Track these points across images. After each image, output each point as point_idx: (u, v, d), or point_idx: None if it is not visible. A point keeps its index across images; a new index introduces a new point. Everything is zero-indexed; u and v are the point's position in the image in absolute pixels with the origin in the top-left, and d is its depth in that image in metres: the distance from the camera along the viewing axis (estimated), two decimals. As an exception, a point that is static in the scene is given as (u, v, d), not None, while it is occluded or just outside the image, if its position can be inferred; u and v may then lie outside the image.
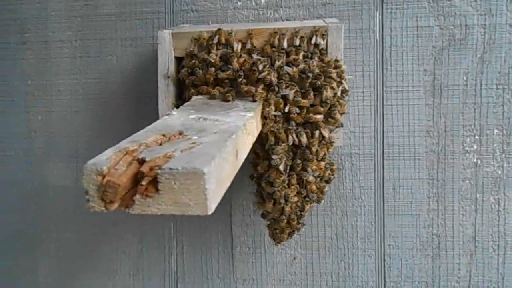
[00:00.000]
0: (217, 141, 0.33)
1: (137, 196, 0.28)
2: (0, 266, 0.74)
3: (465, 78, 0.64)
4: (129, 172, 0.29)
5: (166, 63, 0.57)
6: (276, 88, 0.51)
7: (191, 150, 0.31)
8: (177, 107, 0.50)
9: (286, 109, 0.51)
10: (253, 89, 0.50)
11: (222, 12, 0.67)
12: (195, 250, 0.70)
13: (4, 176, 0.74)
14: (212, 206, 0.28)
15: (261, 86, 0.51)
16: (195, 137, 0.34)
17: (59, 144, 0.72)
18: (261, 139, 0.51)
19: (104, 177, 0.28)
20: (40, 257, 0.73)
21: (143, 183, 0.28)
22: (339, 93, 0.52)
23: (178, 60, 0.58)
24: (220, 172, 0.30)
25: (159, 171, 0.28)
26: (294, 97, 0.51)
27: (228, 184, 0.32)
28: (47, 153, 0.72)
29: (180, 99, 0.57)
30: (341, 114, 0.53)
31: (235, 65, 0.52)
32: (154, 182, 0.28)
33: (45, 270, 0.73)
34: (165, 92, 0.57)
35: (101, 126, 0.71)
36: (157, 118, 0.58)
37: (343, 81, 0.53)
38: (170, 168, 0.27)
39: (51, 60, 0.72)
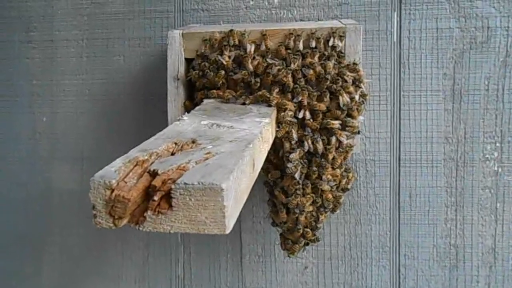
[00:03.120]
0: (234, 151, 0.30)
1: (149, 212, 0.26)
2: (3, 269, 0.73)
3: (486, 82, 0.61)
4: (140, 185, 0.26)
5: (176, 64, 0.54)
6: (291, 93, 0.49)
7: (206, 162, 0.28)
8: (188, 111, 0.48)
9: (300, 115, 0.49)
10: (267, 93, 0.48)
11: (234, 12, 0.65)
12: (202, 257, 0.68)
13: (8, 178, 0.72)
14: (230, 224, 0.25)
15: (276, 90, 0.48)
16: (210, 146, 0.32)
17: (64, 146, 0.70)
18: (274, 145, 0.49)
19: (113, 191, 0.26)
20: (44, 261, 0.72)
21: (156, 198, 0.25)
22: (357, 98, 0.50)
23: (188, 61, 0.56)
24: (238, 187, 0.28)
25: (173, 185, 0.25)
26: (308, 102, 0.48)
27: (245, 198, 0.30)
28: (52, 155, 0.70)
29: (190, 101, 0.55)
30: (357, 119, 0.51)
31: (250, 67, 0.49)
32: (167, 197, 0.26)
33: (49, 275, 0.72)
34: (175, 94, 0.54)
35: (108, 128, 0.69)
36: (165, 120, 0.56)
37: (362, 85, 0.51)
38: (185, 183, 0.25)
39: (57, 59, 0.70)
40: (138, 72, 0.68)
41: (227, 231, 0.25)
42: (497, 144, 0.62)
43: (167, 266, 0.68)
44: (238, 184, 0.28)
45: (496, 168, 0.62)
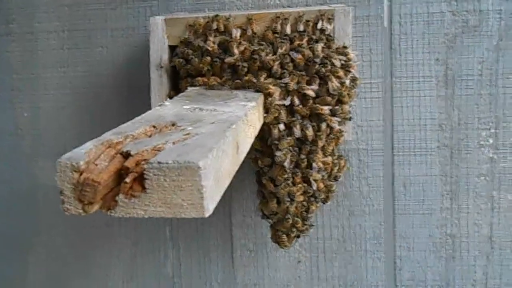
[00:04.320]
0: (215, 131, 0.28)
1: (120, 196, 0.24)
2: (-14, 272, 0.70)
3: (479, 67, 0.60)
4: (112, 167, 0.24)
5: (158, 52, 0.52)
6: (279, 78, 0.47)
7: (184, 142, 0.26)
8: (171, 98, 0.46)
9: (287, 102, 0.47)
10: (254, 78, 0.46)
11: (219, -1, 0.63)
12: (192, 253, 0.65)
13: (-11, 177, 0.69)
14: (209, 207, 0.23)
15: (264, 75, 0.46)
16: (190, 128, 0.30)
17: (47, 141, 0.68)
18: (263, 133, 0.47)
19: (81, 173, 0.24)
20: (29, 262, 0.69)
21: (127, 180, 0.23)
22: (347, 82, 0.48)
23: (172, 48, 0.54)
24: (219, 167, 0.26)
25: (146, 165, 0.23)
26: (294, 88, 0.46)
27: (228, 181, 0.28)
28: (35, 152, 0.68)
29: (175, 91, 0.52)
30: (348, 104, 0.49)
31: (235, 52, 0.47)
32: (141, 179, 0.24)
33: (34, 275, 0.69)
34: (158, 83, 0.52)
35: (91, 122, 0.66)
36: (150, 112, 0.54)
37: (351, 69, 0.49)
38: (159, 162, 0.23)
39: (37, 52, 0.67)
40: (121, 63, 0.65)
41: (207, 214, 0.23)
42: (492, 130, 0.60)
43: (156, 264, 0.66)
44: (220, 165, 0.26)
45: (491, 155, 0.61)
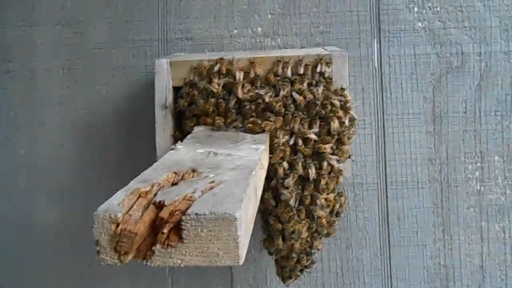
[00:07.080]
0: (238, 179, 0.30)
1: (157, 246, 0.25)
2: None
3: (464, 105, 0.64)
4: (147, 218, 0.25)
5: (163, 93, 0.54)
6: (282, 119, 0.49)
7: (213, 191, 0.28)
8: (179, 140, 0.47)
9: (291, 141, 0.49)
10: (258, 120, 0.48)
11: (218, 40, 0.66)
12: (192, 290, 0.65)
13: (-18, 215, 0.68)
14: (243, 254, 0.25)
15: (267, 116, 0.49)
16: (212, 175, 0.31)
17: (44, 180, 0.67)
18: (268, 173, 0.48)
19: (118, 225, 0.25)
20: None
21: (165, 230, 0.24)
22: (346, 122, 0.50)
23: (176, 89, 0.55)
24: (246, 215, 0.27)
25: (183, 216, 0.24)
26: (299, 129, 0.49)
27: (252, 226, 0.30)
28: (30, 190, 0.67)
29: (179, 131, 0.54)
30: (347, 144, 0.51)
31: (239, 93, 0.50)
32: (176, 229, 0.25)
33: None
34: (163, 123, 0.54)
35: (89, 161, 0.66)
36: (150, 151, 0.55)
37: (350, 111, 0.51)
38: (197, 214, 0.24)
39: (36, 90, 0.68)
40: (121, 101, 0.67)
41: (241, 262, 0.24)
42: (478, 164, 0.64)
43: (155, 301, 0.66)
44: (246, 213, 0.27)
45: (478, 187, 0.64)
